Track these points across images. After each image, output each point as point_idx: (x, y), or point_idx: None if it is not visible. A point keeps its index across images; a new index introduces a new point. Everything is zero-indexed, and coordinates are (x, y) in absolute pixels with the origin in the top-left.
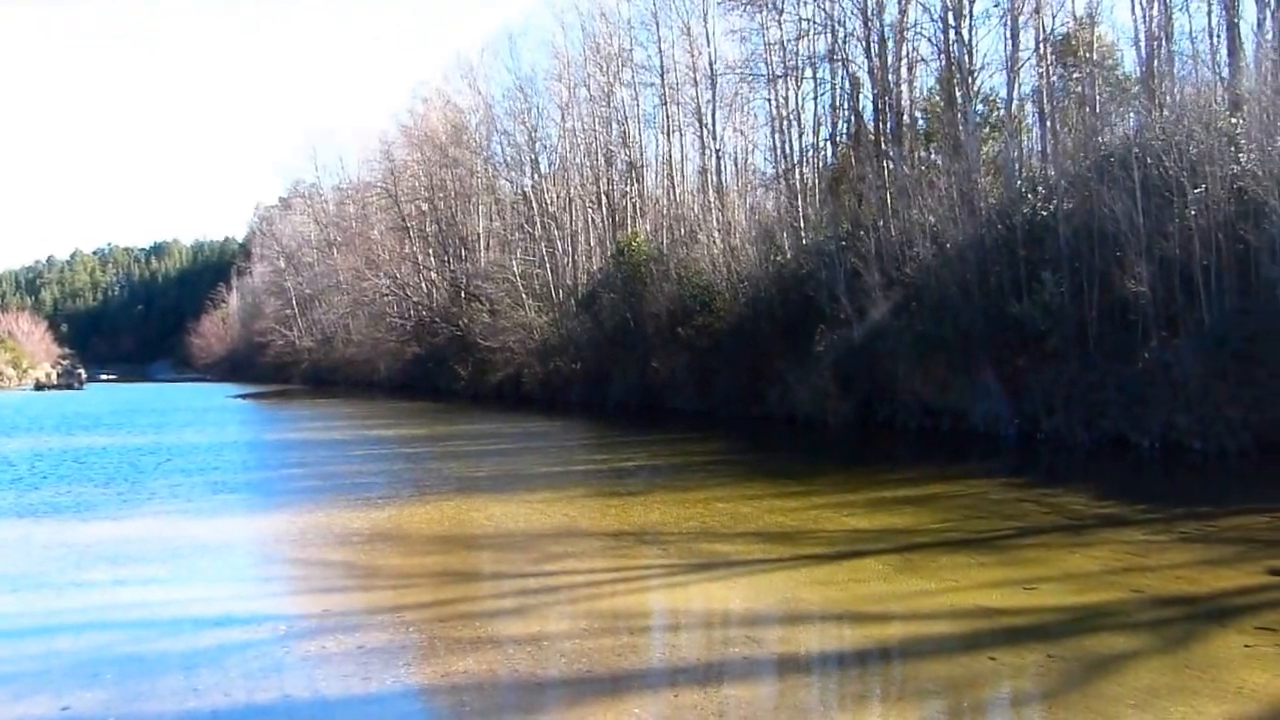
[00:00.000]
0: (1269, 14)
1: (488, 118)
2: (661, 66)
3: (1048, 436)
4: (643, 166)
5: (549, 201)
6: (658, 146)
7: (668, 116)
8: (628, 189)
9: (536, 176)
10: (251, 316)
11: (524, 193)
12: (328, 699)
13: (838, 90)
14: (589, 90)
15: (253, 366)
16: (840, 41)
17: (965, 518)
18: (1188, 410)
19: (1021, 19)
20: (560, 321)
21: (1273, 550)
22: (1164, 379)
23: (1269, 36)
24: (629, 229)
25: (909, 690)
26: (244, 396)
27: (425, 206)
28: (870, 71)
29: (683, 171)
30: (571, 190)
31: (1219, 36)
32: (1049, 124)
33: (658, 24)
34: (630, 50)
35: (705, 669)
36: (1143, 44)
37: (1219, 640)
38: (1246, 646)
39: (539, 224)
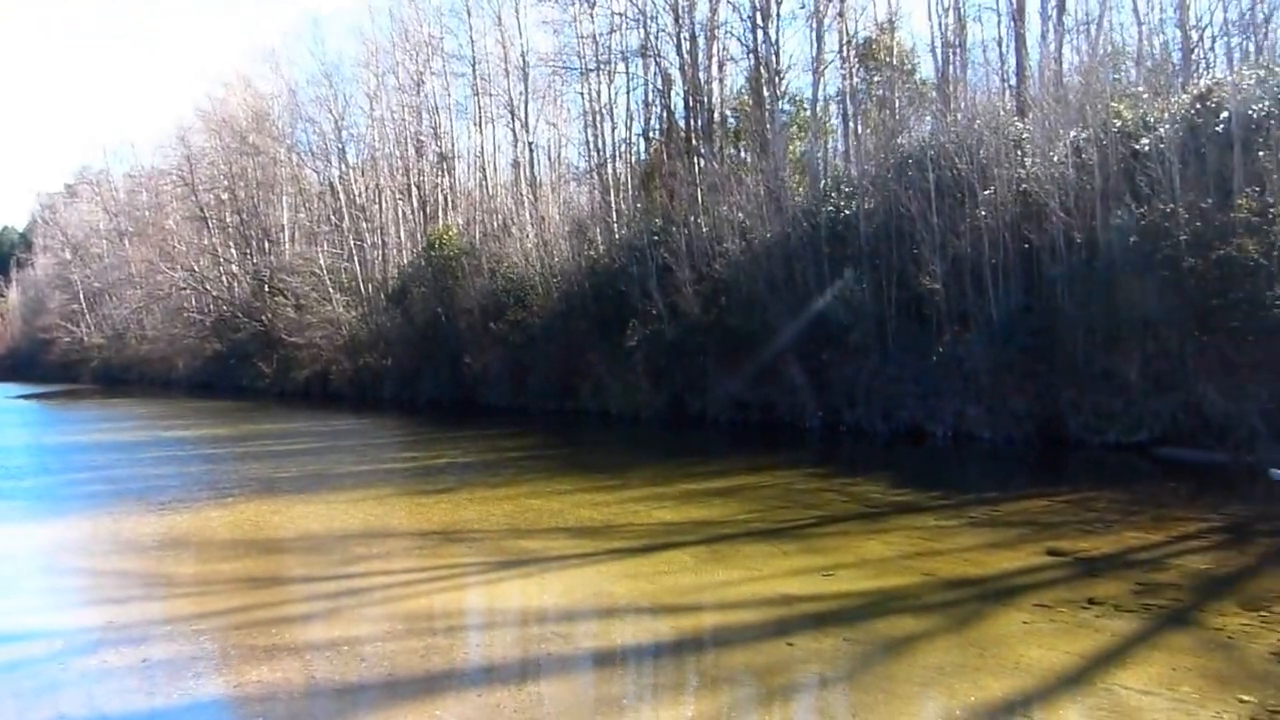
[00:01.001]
0: (1051, 26)
1: (291, 104)
2: (473, 56)
3: (850, 428)
4: (454, 158)
5: (357, 193)
6: (470, 138)
7: (480, 108)
8: (439, 181)
9: (344, 167)
10: (34, 312)
11: (331, 183)
12: (107, 716)
13: (650, 86)
14: (398, 79)
15: (36, 365)
16: (652, 37)
17: (771, 508)
18: (978, 402)
19: (826, 22)
20: (370, 316)
21: (1051, 532)
22: (956, 372)
23: (1051, 48)
24: (440, 222)
25: (714, 678)
26: (26, 397)
27: (225, 196)
28: (681, 68)
29: (495, 164)
30: (381, 181)
31: (1008, 46)
32: (851, 125)
33: (469, 13)
34: (441, 39)
35: (513, 667)
36: (938, 51)
37: (1001, 618)
38: (1025, 623)
39: (347, 216)
